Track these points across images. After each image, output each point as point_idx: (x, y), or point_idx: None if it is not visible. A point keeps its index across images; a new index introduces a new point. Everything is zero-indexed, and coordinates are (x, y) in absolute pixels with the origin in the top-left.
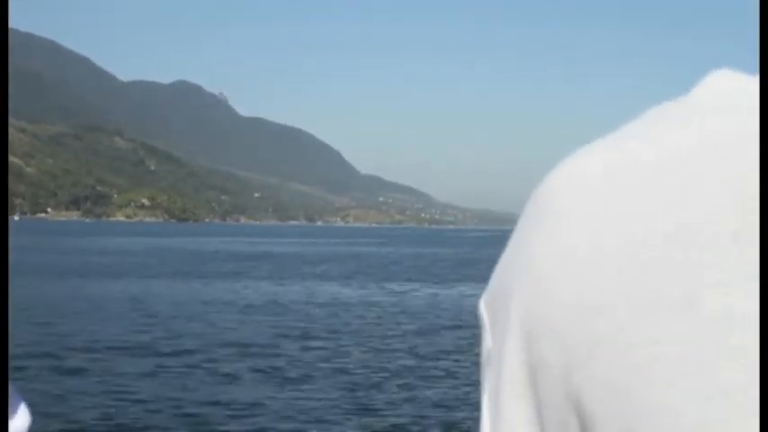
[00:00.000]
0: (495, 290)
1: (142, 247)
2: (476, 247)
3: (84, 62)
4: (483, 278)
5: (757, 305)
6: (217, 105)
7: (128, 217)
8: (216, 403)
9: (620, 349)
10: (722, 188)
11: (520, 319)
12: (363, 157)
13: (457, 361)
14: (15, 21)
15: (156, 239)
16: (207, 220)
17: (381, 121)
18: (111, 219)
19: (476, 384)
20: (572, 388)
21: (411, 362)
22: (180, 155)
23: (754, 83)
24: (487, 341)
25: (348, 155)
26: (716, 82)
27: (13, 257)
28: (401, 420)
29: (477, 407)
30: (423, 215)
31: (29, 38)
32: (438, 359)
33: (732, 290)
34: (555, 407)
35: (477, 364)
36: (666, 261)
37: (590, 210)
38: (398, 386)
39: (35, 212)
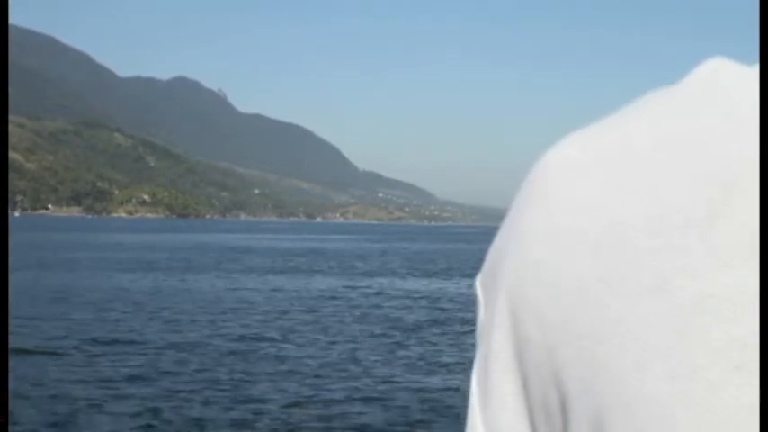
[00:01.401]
0: (489, 267)
1: (192, 244)
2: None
3: (83, 58)
4: None
5: (727, 290)
6: (216, 102)
7: (129, 213)
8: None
9: (595, 330)
10: (703, 175)
11: (506, 296)
12: (362, 153)
13: None
14: (14, 17)
15: (193, 236)
16: (207, 216)
17: (380, 118)
18: (113, 215)
19: None
20: (553, 366)
21: None
22: (179, 151)
23: (746, 72)
24: (480, 317)
25: (347, 151)
26: (708, 70)
27: (30, 254)
28: None
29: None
30: (422, 212)
31: (28, 34)
32: None
33: (703, 275)
34: (538, 382)
35: None
36: (643, 244)
37: (576, 192)
38: None
39: (36, 209)
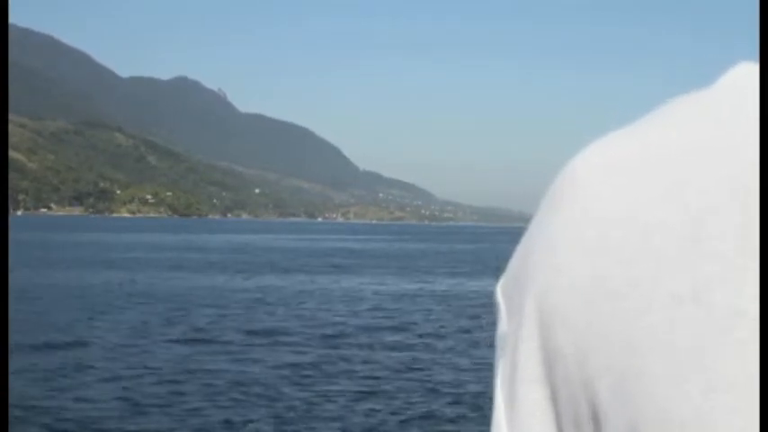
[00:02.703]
0: (512, 275)
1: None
2: None
3: (83, 58)
4: None
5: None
6: (216, 101)
7: (131, 213)
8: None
9: (629, 340)
10: (732, 182)
11: (534, 304)
12: (362, 153)
13: None
14: (14, 16)
15: (227, 236)
16: (210, 215)
17: (380, 117)
18: (115, 214)
19: None
20: (584, 375)
21: None
22: (180, 151)
23: None
24: (503, 325)
25: (347, 151)
26: (736, 76)
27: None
28: None
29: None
30: (423, 212)
31: (27, 33)
32: None
33: (737, 284)
34: (567, 392)
35: None
36: (676, 252)
37: (606, 199)
38: None
39: (38, 208)
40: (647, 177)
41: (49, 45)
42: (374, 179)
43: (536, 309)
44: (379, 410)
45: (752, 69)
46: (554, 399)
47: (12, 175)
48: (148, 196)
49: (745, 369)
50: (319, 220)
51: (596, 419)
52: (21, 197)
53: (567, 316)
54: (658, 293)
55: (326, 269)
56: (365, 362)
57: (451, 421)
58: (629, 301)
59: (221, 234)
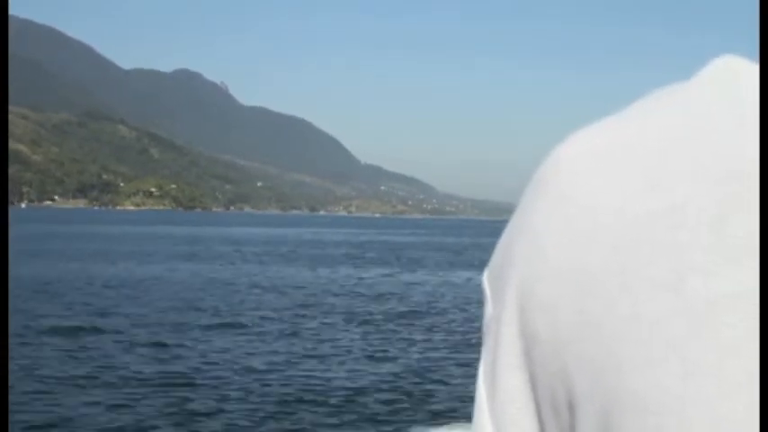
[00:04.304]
0: (497, 262)
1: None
2: None
3: (85, 50)
4: None
5: (739, 288)
6: (218, 94)
7: (136, 205)
8: None
9: (608, 326)
10: (713, 172)
11: (516, 291)
12: (364, 147)
13: None
14: (16, 8)
15: (263, 230)
16: (214, 208)
17: (381, 111)
18: (119, 207)
19: None
20: (561, 362)
21: None
22: (182, 143)
23: (755, 70)
24: (488, 312)
25: (349, 144)
26: (718, 68)
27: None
28: None
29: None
30: (425, 205)
31: (29, 25)
32: None
33: (715, 272)
34: (546, 380)
35: None
36: (656, 240)
37: (589, 187)
38: None
39: (42, 200)
40: (631, 165)
41: (52, 37)
42: (376, 172)
43: (518, 295)
44: None
45: (733, 61)
46: (533, 384)
47: (15, 168)
48: (153, 189)
49: (723, 358)
50: (321, 213)
51: (571, 404)
52: (25, 189)
53: (547, 303)
54: (640, 281)
55: (395, 262)
56: None
57: None
58: (607, 289)
59: (256, 227)
